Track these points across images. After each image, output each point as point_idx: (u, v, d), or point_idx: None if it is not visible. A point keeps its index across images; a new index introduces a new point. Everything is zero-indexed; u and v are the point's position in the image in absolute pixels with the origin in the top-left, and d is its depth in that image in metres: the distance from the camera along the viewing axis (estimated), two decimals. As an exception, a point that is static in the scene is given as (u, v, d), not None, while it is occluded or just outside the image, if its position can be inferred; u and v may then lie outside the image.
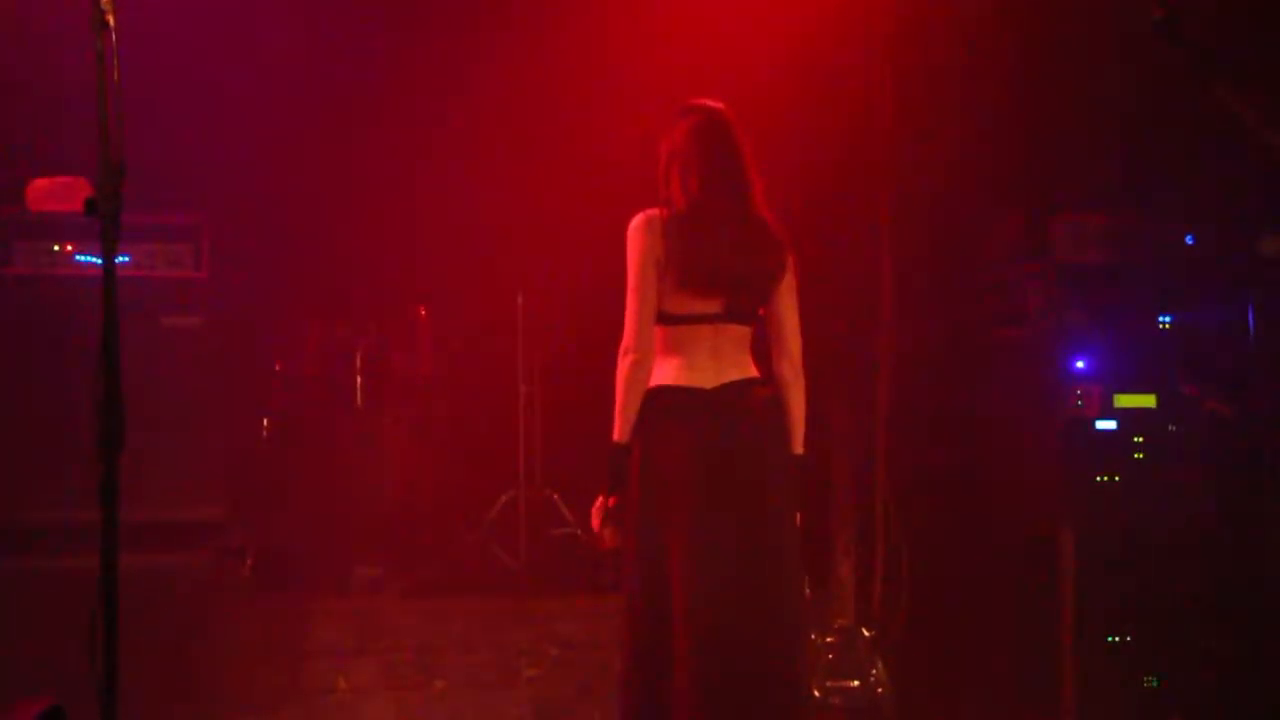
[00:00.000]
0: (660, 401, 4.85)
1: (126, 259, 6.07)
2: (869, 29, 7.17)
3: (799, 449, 4.92)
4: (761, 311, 4.97)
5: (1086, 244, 6.57)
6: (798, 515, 4.89)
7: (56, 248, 6.10)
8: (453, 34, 7.78)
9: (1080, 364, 6.52)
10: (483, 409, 8.11)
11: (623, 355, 4.82)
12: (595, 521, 4.92)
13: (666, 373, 4.88)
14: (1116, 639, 6.42)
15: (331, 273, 7.93)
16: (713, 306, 4.87)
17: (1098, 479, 6.46)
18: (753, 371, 4.94)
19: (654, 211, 4.87)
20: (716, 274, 4.84)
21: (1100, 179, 6.96)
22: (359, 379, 7.95)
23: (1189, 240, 6.65)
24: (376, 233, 7.91)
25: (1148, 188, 6.88)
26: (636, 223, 4.86)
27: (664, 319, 4.87)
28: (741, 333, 4.94)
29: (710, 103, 5.00)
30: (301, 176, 7.57)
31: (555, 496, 7.95)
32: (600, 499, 4.88)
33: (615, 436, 4.82)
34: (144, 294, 6.05)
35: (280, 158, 7.45)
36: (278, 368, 7.90)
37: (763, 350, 5.01)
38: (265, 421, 7.80)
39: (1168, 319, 6.60)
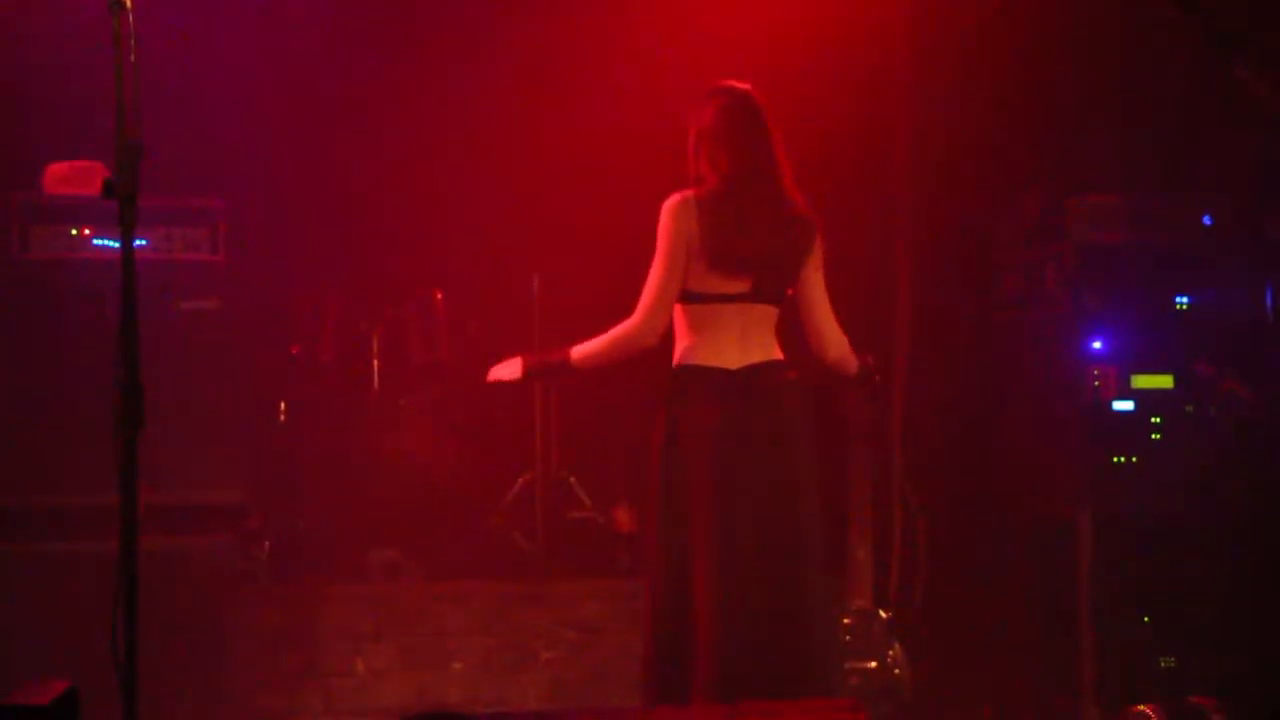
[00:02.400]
0: (683, 381, 4.88)
1: (144, 243, 6.08)
2: (884, 8, 7.15)
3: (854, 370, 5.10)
4: (790, 292, 4.99)
5: (1103, 225, 6.55)
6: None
7: (74, 232, 6.11)
8: (471, 18, 7.77)
9: (1097, 345, 6.51)
10: (499, 392, 7.86)
11: (629, 322, 4.86)
12: (492, 374, 5.13)
13: (691, 351, 4.91)
14: (1133, 621, 6.44)
15: (348, 257, 7.92)
16: (741, 286, 4.90)
17: (1115, 460, 6.44)
18: (777, 353, 4.97)
19: (689, 192, 4.91)
20: (745, 253, 4.87)
21: (1117, 159, 6.94)
22: (376, 363, 7.95)
23: (1206, 220, 6.63)
24: (392, 217, 7.90)
25: (1165, 168, 6.86)
26: (671, 203, 4.89)
27: (691, 298, 4.89)
28: (768, 313, 4.96)
29: (738, 84, 5.04)
30: (318, 161, 7.59)
31: (572, 479, 7.95)
32: (516, 360, 5.06)
33: (571, 350, 4.95)
34: (162, 278, 6.06)
35: (297, 142, 7.47)
36: (294, 352, 7.90)
37: (788, 332, 5.04)
38: (282, 405, 7.82)
39: (1185, 300, 6.58)
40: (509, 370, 5.08)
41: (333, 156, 7.63)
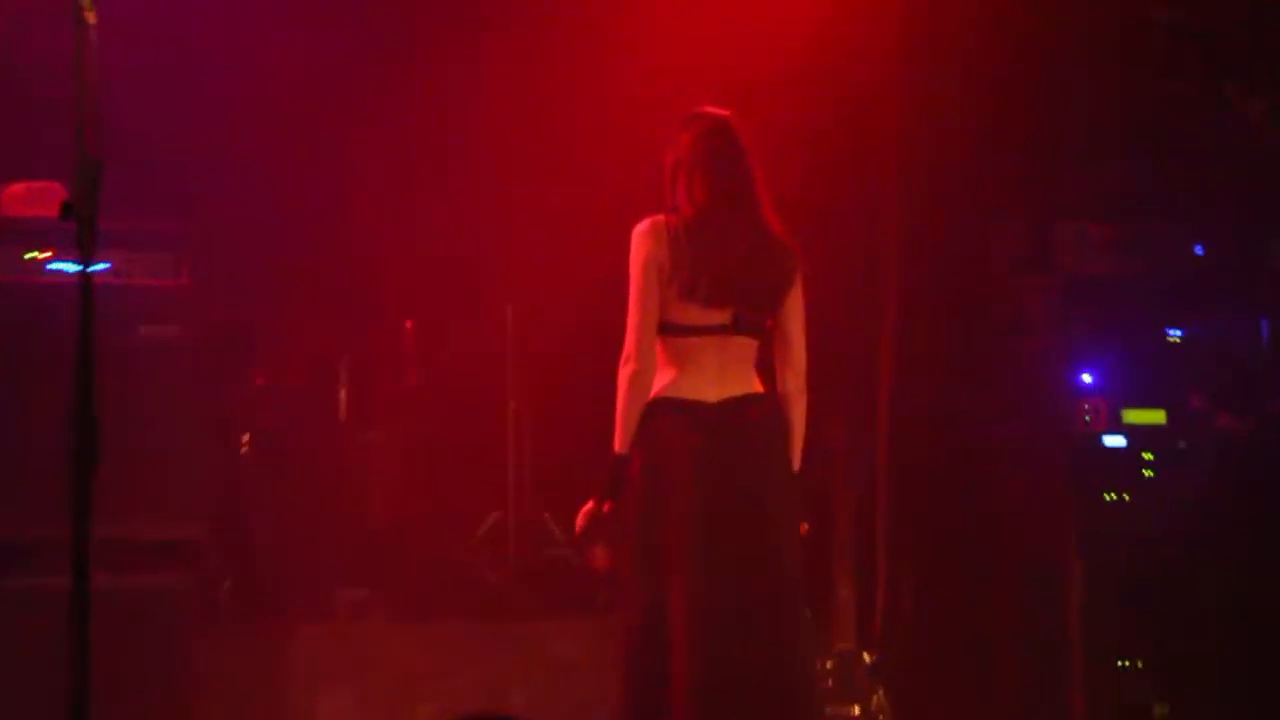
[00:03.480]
0: (660, 415, 4.84)
1: (105, 266, 6.02)
2: (874, 30, 7.14)
3: (795, 465, 4.91)
4: (770, 324, 4.95)
5: (1092, 253, 6.59)
6: (803, 526, 4.89)
7: (32, 255, 6.04)
8: (445, 44, 7.66)
9: (1087, 378, 6.53)
10: (471, 425, 8.00)
11: (623, 364, 4.81)
12: (580, 523, 4.88)
13: (668, 385, 4.86)
14: (1126, 664, 6.40)
15: (316, 283, 7.80)
16: (720, 318, 4.85)
17: (1106, 497, 6.48)
18: (757, 386, 4.92)
19: (660, 217, 4.86)
20: (724, 284, 4.83)
21: (1106, 185, 6.93)
22: (344, 393, 7.89)
23: (1199, 250, 6.64)
24: (362, 243, 7.80)
25: (1156, 195, 6.87)
26: (641, 229, 4.86)
27: (668, 329, 4.85)
28: (748, 345, 4.92)
29: (716, 110, 5.00)
30: (288, 185, 7.46)
31: (546, 515, 7.84)
32: (591, 502, 4.85)
33: (616, 447, 4.80)
34: (122, 302, 5.99)
35: (266, 165, 7.33)
36: (259, 382, 7.82)
37: (768, 364, 4.99)
38: (246, 437, 7.69)
39: (1177, 332, 6.62)
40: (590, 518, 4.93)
41: (303, 182, 7.51)
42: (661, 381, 4.86)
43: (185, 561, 6.10)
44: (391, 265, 7.90)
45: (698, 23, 7.19)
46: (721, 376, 4.85)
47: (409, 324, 8.06)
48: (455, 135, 7.75)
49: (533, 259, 7.71)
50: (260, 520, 7.50)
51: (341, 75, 7.61)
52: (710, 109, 4.99)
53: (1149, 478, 6.50)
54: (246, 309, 7.50)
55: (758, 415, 4.86)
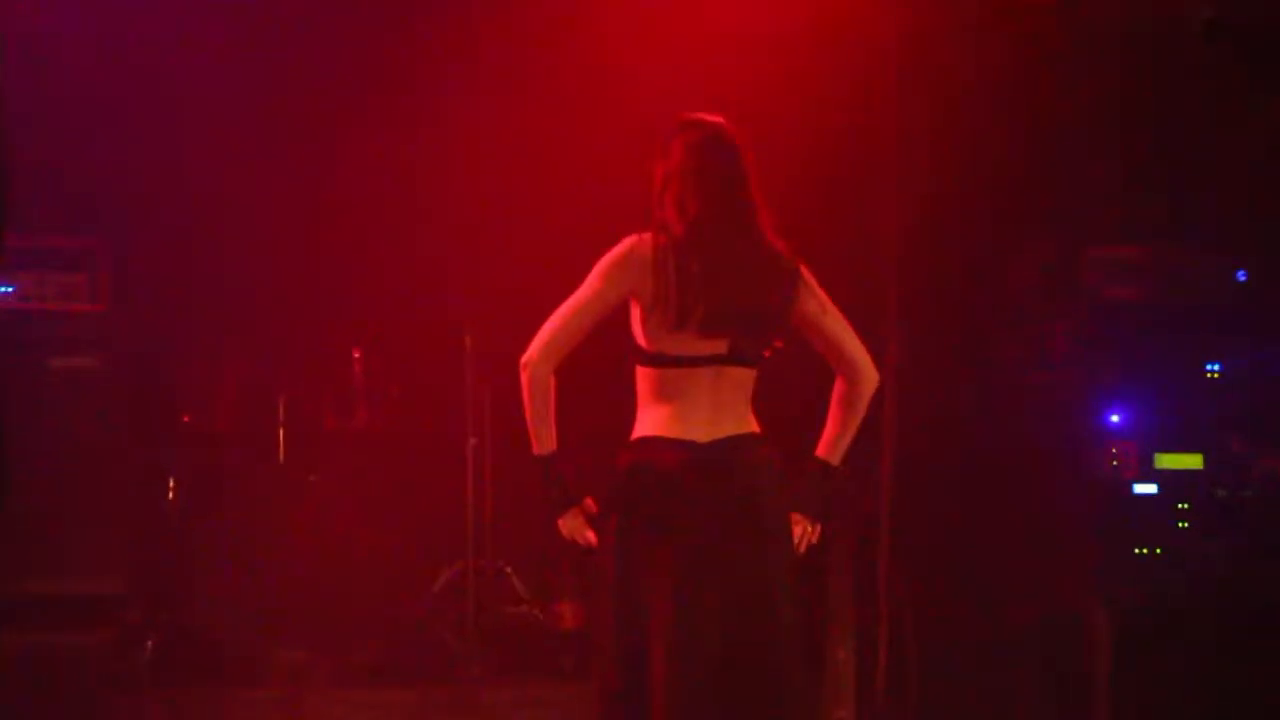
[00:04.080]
0: (642, 457, 4.70)
1: (10, 289, 6.00)
2: (872, 39, 7.17)
3: (834, 458, 4.90)
4: (768, 354, 4.84)
5: (1122, 279, 6.59)
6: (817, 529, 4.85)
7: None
8: (395, 57, 7.72)
9: (1115, 418, 6.52)
10: (426, 467, 8.00)
11: (521, 367, 4.73)
12: (564, 528, 4.80)
13: (653, 422, 4.74)
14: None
15: (251, 309, 7.80)
16: (715, 347, 4.72)
17: (1136, 551, 6.47)
18: (752, 425, 4.79)
19: (645, 236, 4.73)
20: (722, 309, 4.71)
21: (1139, 205, 6.94)
22: (282, 432, 7.86)
23: (1240, 276, 6.64)
24: (304, 263, 7.78)
25: (1193, 215, 6.87)
26: (623, 245, 4.73)
27: (658, 360, 4.73)
28: (745, 377, 4.79)
29: (708, 117, 4.88)
30: (217, 198, 7.45)
31: (508, 569, 7.82)
32: (561, 519, 4.78)
33: (535, 449, 4.75)
34: (30, 330, 5.96)
35: (195, 176, 7.38)
36: (187, 420, 7.79)
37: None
38: (172, 481, 7.67)
39: (1216, 366, 6.59)
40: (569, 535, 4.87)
41: (234, 195, 7.48)
42: (647, 418, 4.75)
43: (103, 618, 6.06)
44: (337, 288, 7.91)
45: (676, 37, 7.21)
46: (715, 413, 4.74)
47: (356, 354, 8.03)
48: (407, 147, 7.73)
49: (494, 282, 7.64)
50: (189, 573, 7.50)
51: (281, 81, 7.66)
52: (702, 116, 4.89)
53: (1184, 529, 6.46)
54: (172, 337, 7.53)
55: (752, 459, 4.75)
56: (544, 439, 4.75)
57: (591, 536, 4.83)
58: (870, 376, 4.92)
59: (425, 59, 7.64)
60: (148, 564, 6.95)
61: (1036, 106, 7.11)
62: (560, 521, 4.80)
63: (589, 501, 4.78)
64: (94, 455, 6.03)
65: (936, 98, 7.10)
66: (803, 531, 4.83)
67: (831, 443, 4.89)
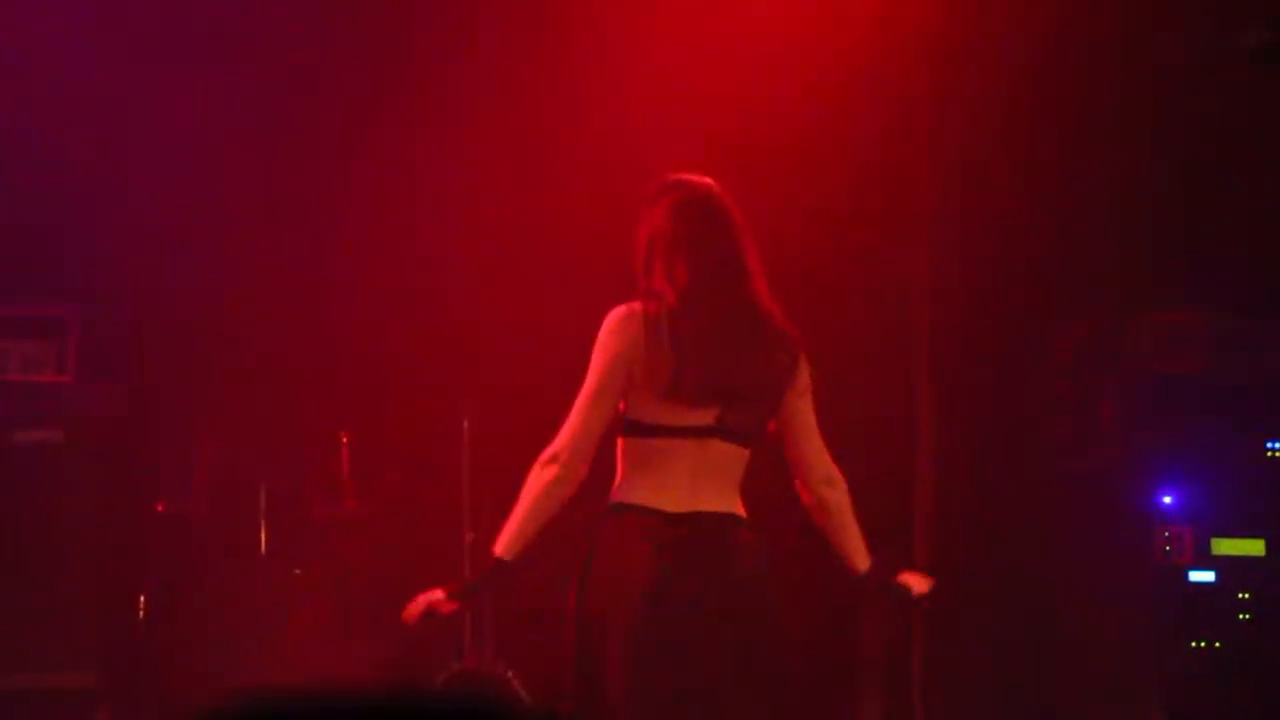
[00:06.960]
0: (607, 522, 4.68)
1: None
2: (905, 81, 7.26)
3: (864, 564, 4.91)
4: (771, 428, 4.81)
5: (1175, 349, 6.61)
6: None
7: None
8: (383, 98, 7.74)
9: (1168, 499, 6.54)
10: (419, 561, 7.77)
11: (543, 463, 4.70)
12: (412, 610, 4.79)
13: (626, 489, 4.73)
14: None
15: (231, 385, 7.77)
16: (702, 418, 4.71)
17: (1193, 645, 6.49)
18: (737, 507, 4.76)
19: (637, 305, 4.73)
20: (711, 379, 4.69)
21: (1192, 270, 6.95)
22: (263, 522, 7.76)
23: (1309, 347, 6.48)
24: (289, 337, 7.77)
25: (1251, 281, 6.90)
26: (614, 317, 4.75)
27: (640, 430, 4.71)
28: (733, 455, 4.77)
29: (696, 177, 4.89)
30: (195, 266, 7.49)
31: (510, 674, 7.64)
32: (439, 591, 4.79)
33: (495, 549, 4.74)
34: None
35: (169, 240, 7.38)
36: (160, 508, 7.73)
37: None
38: (144, 577, 7.60)
39: (1277, 445, 6.61)
40: (425, 604, 4.85)
41: (214, 264, 7.53)
42: (624, 486, 4.75)
43: (73, 714, 6.21)
44: (323, 367, 7.86)
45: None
46: (694, 485, 4.72)
47: (344, 438, 7.98)
48: (396, 218, 7.74)
49: (494, 362, 7.60)
50: (162, 670, 7.42)
51: (266, 150, 7.67)
52: (690, 175, 4.91)
53: (1245, 621, 6.47)
54: (145, 413, 7.45)
55: (731, 540, 4.72)
56: (510, 543, 4.72)
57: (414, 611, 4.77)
58: (839, 477, 4.93)
59: (410, 133, 7.62)
60: (118, 659, 6.93)
61: (1085, 173, 7.14)
62: (427, 596, 4.79)
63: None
64: (61, 539, 6.06)
65: (975, 156, 7.15)
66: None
67: (857, 553, 4.92)
